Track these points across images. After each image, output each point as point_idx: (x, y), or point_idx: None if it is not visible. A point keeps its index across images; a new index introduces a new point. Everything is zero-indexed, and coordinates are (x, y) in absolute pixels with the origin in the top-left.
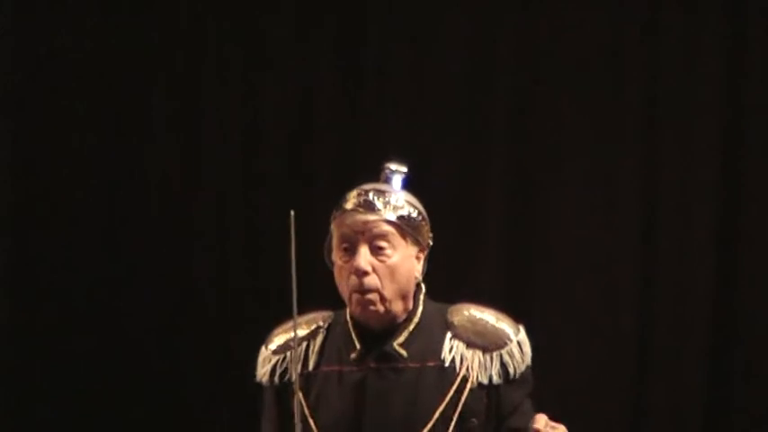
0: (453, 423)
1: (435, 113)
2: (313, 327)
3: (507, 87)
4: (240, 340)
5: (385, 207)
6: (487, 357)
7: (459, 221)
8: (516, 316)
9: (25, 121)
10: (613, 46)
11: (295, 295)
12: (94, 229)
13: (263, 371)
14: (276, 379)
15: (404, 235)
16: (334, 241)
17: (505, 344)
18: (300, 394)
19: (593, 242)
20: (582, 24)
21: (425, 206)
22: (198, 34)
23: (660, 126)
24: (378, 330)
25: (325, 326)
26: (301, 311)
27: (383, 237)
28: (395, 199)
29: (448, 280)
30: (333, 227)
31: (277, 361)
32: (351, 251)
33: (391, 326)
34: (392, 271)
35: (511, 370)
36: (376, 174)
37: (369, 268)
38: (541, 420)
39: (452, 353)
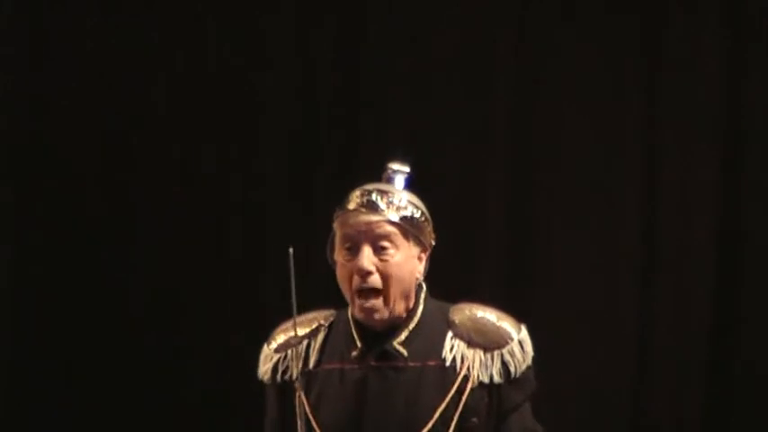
0: (454, 422)
1: (435, 113)
2: (314, 325)
3: (507, 87)
4: (241, 339)
5: (388, 207)
6: (488, 356)
7: (459, 221)
8: (516, 316)
9: (25, 120)
10: (613, 46)
11: (295, 322)
12: (94, 230)
13: (264, 369)
14: (278, 377)
15: (406, 235)
16: (337, 241)
17: (507, 343)
18: (302, 392)
19: (593, 242)
20: (582, 24)
21: (426, 206)
22: (198, 34)
23: (660, 126)
24: (379, 329)
25: (327, 324)
26: (302, 311)
27: (386, 237)
28: (398, 199)
29: (448, 280)
30: (335, 226)
31: (278, 359)
32: (353, 251)
33: (392, 325)
34: (395, 271)
35: (512, 369)
36: (377, 174)
37: (372, 268)
38: None
39: (453, 352)
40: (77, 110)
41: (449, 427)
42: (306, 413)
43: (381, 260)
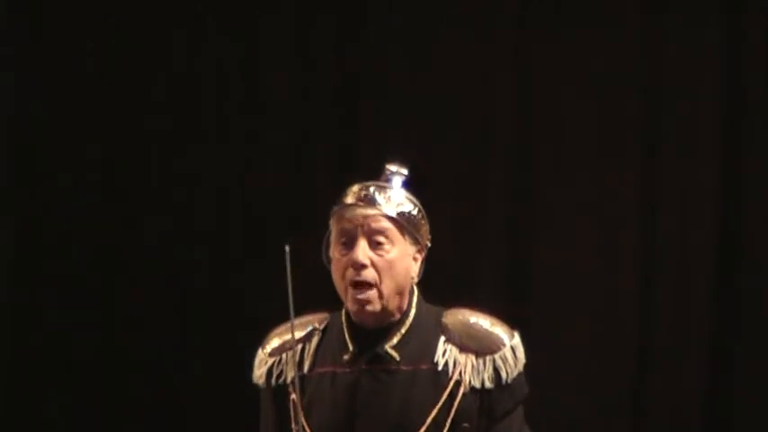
0: (447, 427)
1: (435, 113)
2: (308, 329)
3: (508, 87)
4: (240, 339)
5: (386, 202)
6: (480, 361)
7: (458, 221)
8: (516, 317)
9: (25, 120)
10: (613, 45)
11: (293, 320)
12: (94, 230)
13: (259, 373)
14: (273, 381)
15: (403, 232)
16: (333, 236)
17: (499, 348)
18: (296, 396)
19: (593, 242)
20: (582, 24)
21: (425, 206)
22: (198, 34)
23: (660, 126)
24: (371, 329)
25: (321, 327)
26: (298, 313)
27: (382, 232)
28: (396, 195)
29: (447, 279)
30: (332, 222)
31: (273, 363)
32: (349, 245)
33: (385, 325)
34: (390, 266)
35: (503, 374)
36: (377, 174)
37: (367, 261)
38: None
39: (446, 356)
40: (77, 110)
41: None
42: (298, 417)
43: (377, 254)
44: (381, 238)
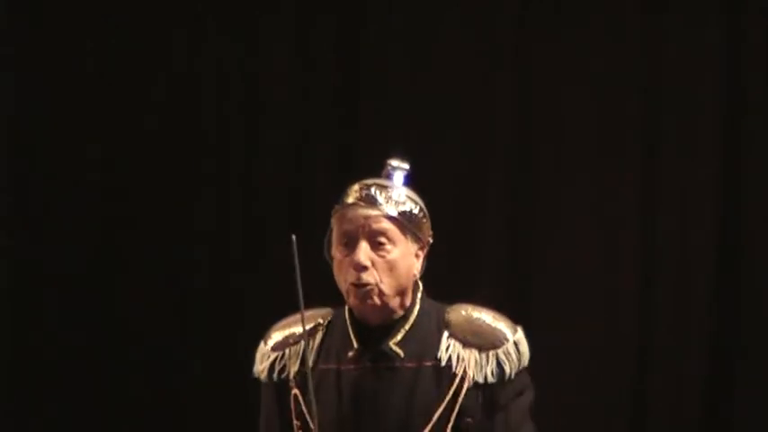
0: (451, 423)
1: (435, 113)
2: (312, 324)
3: (508, 87)
4: (241, 338)
5: (387, 202)
6: (483, 356)
7: (458, 221)
8: (516, 317)
9: (25, 120)
10: (614, 46)
11: (303, 314)
12: (93, 230)
13: (261, 367)
14: (275, 376)
15: (404, 231)
16: (335, 236)
17: (502, 343)
18: (298, 392)
19: (593, 242)
20: (582, 25)
21: (425, 204)
22: (198, 34)
23: (660, 126)
24: (375, 326)
25: (325, 323)
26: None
27: (383, 232)
28: (397, 194)
29: (448, 278)
30: (333, 221)
31: (276, 357)
32: (350, 246)
33: (388, 322)
34: (391, 266)
35: (507, 369)
36: (376, 174)
37: (368, 263)
38: None
39: (449, 352)
40: (77, 110)
41: (446, 428)
42: (302, 413)
43: (378, 255)
44: (382, 239)
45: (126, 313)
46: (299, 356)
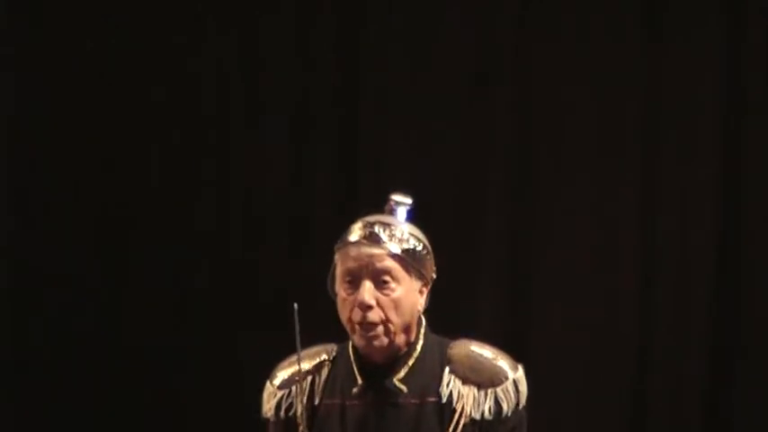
0: None
1: (435, 114)
2: (317, 360)
3: (508, 87)
4: (239, 341)
5: (390, 239)
6: (482, 393)
7: (458, 222)
8: (516, 317)
9: (25, 120)
10: (614, 45)
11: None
12: (93, 231)
13: (268, 406)
14: (282, 413)
15: (408, 268)
16: (338, 274)
17: (501, 381)
18: (305, 429)
19: (593, 242)
20: (582, 25)
21: (424, 208)
22: (198, 34)
23: (660, 126)
24: (379, 363)
25: (330, 359)
26: (306, 343)
27: (387, 271)
28: (400, 232)
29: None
30: (337, 258)
31: (282, 396)
32: (355, 284)
33: (393, 359)
34: (396, 305)
35: (504, 407)
36: (377, 173)
37: (373, 302)
38: None
39: (449, 388)
40: (77, 110)
41: None
42: None
43: (383, 294)
44: (387, 278)
45: (125, 313)
46: (306, 393)
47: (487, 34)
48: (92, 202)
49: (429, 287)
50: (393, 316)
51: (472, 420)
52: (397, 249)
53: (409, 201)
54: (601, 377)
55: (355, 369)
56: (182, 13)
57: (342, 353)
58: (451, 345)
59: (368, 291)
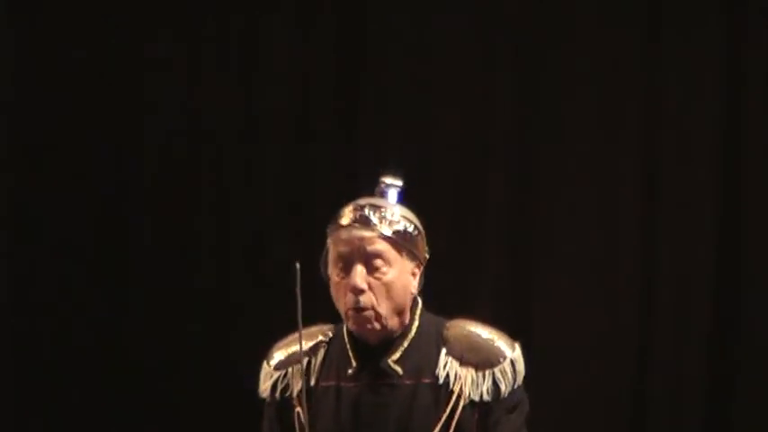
0: None
1: (435, 114)
2: (314, 341)
3: (508, 87)
4: (239, 341)
5: (381, 222)
6: (480, 375)
7: (458, 222)
8: (516, 318)
9: (23, 120)
10: (614, 45)
11: (301, 342)
12: (94, 231)
13: (264, 386)
14: (277, 394)
15: (399, 250)
16: (331, 258)
17: (499, 362)
18: (302, 410)
19: (593, 244)
20: (582, 25)
21: (424, 208)
22: (198, 34)
23: (660, 126)
24: (374, 345)
25: (327, 340)
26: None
27: (379, 255)
28: (390, 214)
29: (447, 282)
30: (329, 242)
31: (279, 376)
32: (347, 268)
33: (387, 340)
34: (388, 288)
35: (502, 387)
36: (376, 174)
37: (365, 286)
38: None
39: (446, 369)
40: (77, 109)
41: None
42: (304, 430)
43: (375, 278)
44: (378, 261)
45: (125, 314)
46: (302, 374)
47: (487, 34)
48: (91, 203)
49: (422, 268)
50: (384, 299)
51: (471, 402)
52: (388, 231)
53: (400, 183)
54: (601, 377)
55: (350, 351)
56: (182, 12)
57: (337, 334)
58: (447, 325)
59: (359, 275)
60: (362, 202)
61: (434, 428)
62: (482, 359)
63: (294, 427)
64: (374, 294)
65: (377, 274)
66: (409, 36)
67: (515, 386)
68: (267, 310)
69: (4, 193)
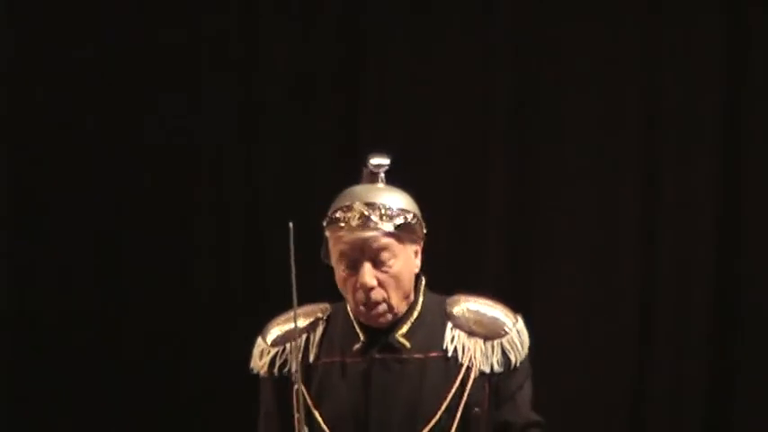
0: (459, 413)
1: (435, 114)
2: (312, 319)
3: (508, 87)
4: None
5: (381, 219)
6: (488, 346)
7: (459, 221)
8: (517, 312)
9: (23, 120)
10: (614, 45)
11: (296, 302)
12: (94, 231)
13: (261, 362)
14: (275, 371)
15: (402, 241)
16: (333, 255)
17: (506, 332)
18: (303, 386)
19: (592, 242)
20: (582, 24)
21: (425, 209)
22: (198, 34)
23: (660, 126)
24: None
25: (325, 317)
26: (299, 305)
27: (384, 249)
28: (387, 209)
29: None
30: (328, 236)
31: (276, 353)
32: (353, 267)
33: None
34: (397, 279)
35: (512, 358)
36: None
37: (374, 283)
38: None
39: (454, 343)
40: (76, 110)
41: (454, 418)
42: (309, 407)
43: (382, 272)
44: (384, 256)
45: (124, 313)
46: (301, 351)
47: (487, 34)
48: (91, 203)
49: (422, 244)
50: (395, 290)
51: (482, 374)
52: (390, 228)
53: (387, 161)
54: (601, 377)
55: (356, 326)
56: (182, 12)
57: (337, 312)
58: (449, 301)
59: (368, 272)
60: (357, 201)
61: (445, 401)
62: (489, 331)
63: (293, 404)
64: (384, 288)
65: (384, 268)
66: (409, 36)
67: (524, 356)
68: (267, 310)
69: (4, 193)
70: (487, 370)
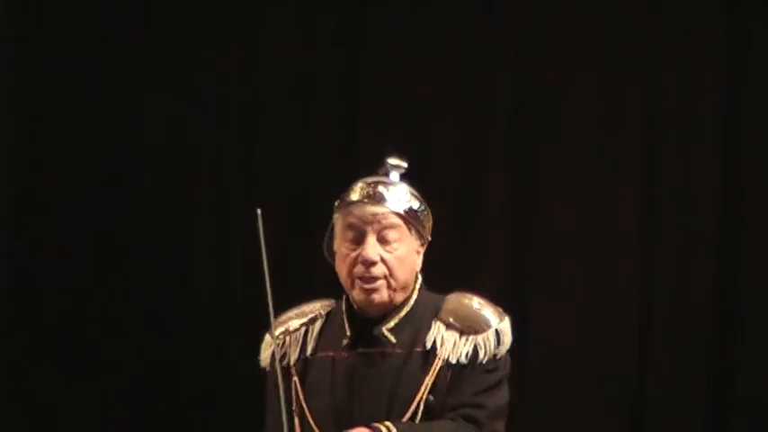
0: (421, 400)
1: (435, 114)
2: (312, 314)
3: (508, 86)
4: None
5: (393, 199)
6: (462, 339)
7: (458, 220)
8: (516, 315)
9: (23, 120)
10: (614, 45)
11: (269, 288)
12: (94, 231)
13: (264, 355)
14: (276, 363)
15: (409, 227)
16: (339, 231)
17: (483, 330)
18: (297, 379)
19: (592, 242)
20: (583, 22)
21: (426, 204)
22: (198, 34)
23: (660, 126)
24: (372, 317)
25: (325, 313)
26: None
27: (391, 228)
28: (401, 191)
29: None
30: (336, 217)
31: (276, 345)
32: (358, 241)
33: (385, 312)
34: (399, 262)
35: (480, 354)
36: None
37: (377, 258)
38: None
39: (434, 335)
40: (77, 109)
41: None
42: (299, 401)
43: (386, 251)
44: (391, 235)
45: (124, 314)
46: (299, 344)
47: (487, 34)
48: (91, 203)
49: (424, 248)
50: (395, 272)
51: (448, 364)
52: (400, 208)
53: (405, 164)
54: (601, 377)
55: (345, 321)
56: (182, 12)
57: (338, 308)
58: (446, 299)
59: (372, 247)
60: (372, 179)
61: (418, 394)
62: (467, 326)
63: (289, 397)
64: (386, 266)
65: (388, 248)
66: (409, 36)
67: (497, 356)
68: (267, 310)
69: (4, 193)
70: (454, 360)
